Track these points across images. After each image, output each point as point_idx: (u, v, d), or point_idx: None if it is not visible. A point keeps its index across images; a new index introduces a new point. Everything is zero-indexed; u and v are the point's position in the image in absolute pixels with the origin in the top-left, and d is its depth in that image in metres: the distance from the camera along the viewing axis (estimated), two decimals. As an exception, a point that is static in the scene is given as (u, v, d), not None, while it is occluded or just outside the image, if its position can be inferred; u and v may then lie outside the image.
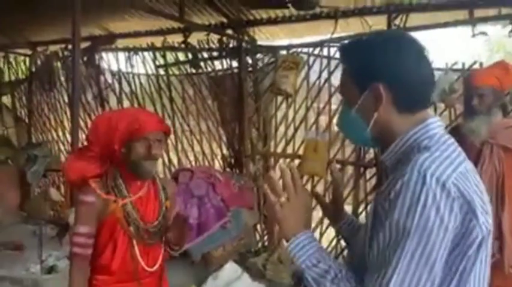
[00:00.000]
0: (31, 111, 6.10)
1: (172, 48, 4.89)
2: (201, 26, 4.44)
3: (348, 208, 2.05)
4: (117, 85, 5.40)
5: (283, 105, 4.50)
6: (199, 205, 3.79)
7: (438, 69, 3.49)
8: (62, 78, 5.62)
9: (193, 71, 4.89)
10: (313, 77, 4.37)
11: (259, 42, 4.69)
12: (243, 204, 4.12)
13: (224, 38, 4.55)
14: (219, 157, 4.95)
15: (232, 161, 4.74)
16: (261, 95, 4.60)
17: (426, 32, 3.70)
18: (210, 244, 3.77)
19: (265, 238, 4.66)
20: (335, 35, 4.02)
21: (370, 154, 4.14)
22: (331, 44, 4.18)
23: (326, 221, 4.02)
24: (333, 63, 4.17)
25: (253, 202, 4.35)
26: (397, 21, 3.76)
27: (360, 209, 4.19)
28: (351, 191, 4.23)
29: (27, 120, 6.17)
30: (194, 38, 4.64)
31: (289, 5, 3.75)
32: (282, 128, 4.58)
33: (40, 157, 5.31)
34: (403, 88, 1.01)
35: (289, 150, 4.53)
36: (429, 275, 0.90)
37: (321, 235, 4.23)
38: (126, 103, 5.40)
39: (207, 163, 5.02)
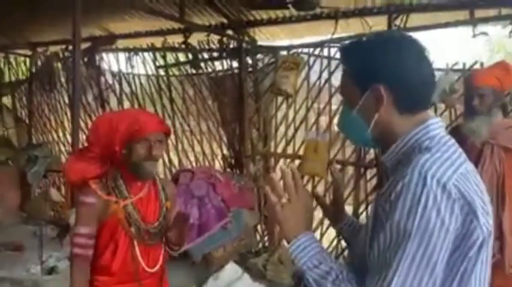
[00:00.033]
0: (31, 112, 6.11)
1: (173, 49, 4.88)
2: (201, 27, 4.43)
3: (348, 209, 2.05)
4: (117, 86, 5.40)
5: (284, 106, 4.50)
6: (199, 206, 3.78)
7: (439, 69, 3.49)
8: (63, 79, 5.62)
9: (194, 71, 4.89)
10: (313, 77, 4.37)
11: (259, 43, 4.70)
12: (243, 204, 4.12)
13: (224, 39, 4.55)
14: (219, 157, 4.95)
15: (233, 161, 4.74)
16: (262, 95, 4.60)
17: (427, 32, 3.71)
18: (211, 244, 3.77)
19: (266, 238, 4.66)
20: (335, 36, 4.01)
21: (371, 154, 4.14)
22: (332, 45, 4.18)
23: (326, 222, 4.01)
24: (333, 63, 4.17)
25: (253, 203, 4.34)
26: (397, 22, 3.76)
27: (361, 210, 4.19)
28: (351, 192, 4.23)
29: (27, 121, 6.17)
30: (194, 39, 4.64)
31: (290, 5, 3.74)
32: (282, 129, 4.58)
33: (40, 158, 5.31)
34: (404, 89, 1.00)
35: (290, 150, 4.53)
36: (430, 277, 0.90)
37: (322, 235, 4.23)
38: (126, 104, 5.40)
39: (207, 163, 5.02)
